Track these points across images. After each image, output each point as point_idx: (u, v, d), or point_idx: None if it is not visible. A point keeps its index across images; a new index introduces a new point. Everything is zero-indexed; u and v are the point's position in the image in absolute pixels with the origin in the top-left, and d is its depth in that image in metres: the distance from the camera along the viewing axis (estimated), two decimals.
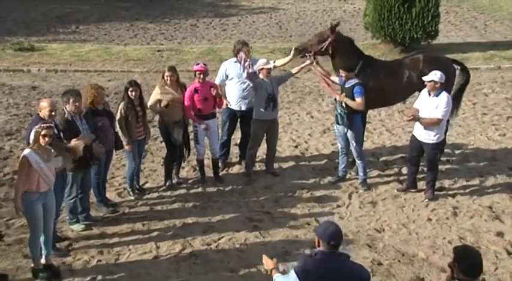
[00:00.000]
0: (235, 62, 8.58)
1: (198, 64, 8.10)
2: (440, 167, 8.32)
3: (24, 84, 13.62)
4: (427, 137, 7.62)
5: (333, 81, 8.38)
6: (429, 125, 7.53)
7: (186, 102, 7.97)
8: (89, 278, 6.18)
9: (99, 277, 6.20)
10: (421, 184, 8.06)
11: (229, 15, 22.13)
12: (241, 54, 8.39)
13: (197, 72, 8.00)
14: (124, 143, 7.58)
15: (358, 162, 8.20)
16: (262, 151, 8.80)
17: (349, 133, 7.99)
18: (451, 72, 8.54)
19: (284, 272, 4.34)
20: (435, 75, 7.43)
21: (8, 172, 8.74)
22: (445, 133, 8.37)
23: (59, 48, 16.53)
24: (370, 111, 9.13)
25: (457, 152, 9.38)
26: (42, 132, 5.78)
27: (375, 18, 15.37)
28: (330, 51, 8.34)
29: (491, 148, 9.60)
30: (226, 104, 8.64)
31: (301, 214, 7.52)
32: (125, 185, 8.16)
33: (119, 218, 7.47)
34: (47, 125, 5.87)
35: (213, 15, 22.07)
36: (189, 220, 7.38)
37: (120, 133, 7.52)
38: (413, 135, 7.85)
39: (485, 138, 10.06)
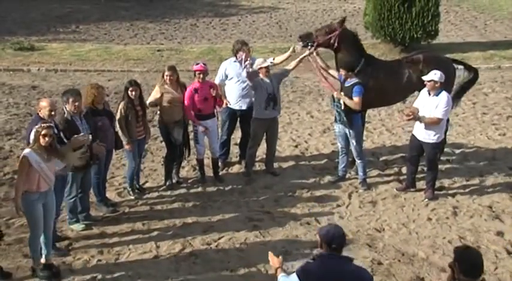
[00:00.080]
0: (235, 61, 8.58)
1: (197, 64, 8.10)
2: (440, 166, 8.32)
3: (24, 83, 13.62)
4: (427, 136, 7.62)
5: (332, 75, 8.36)
6: (429, 124, 7.53)
7: (186, 102, 7.97)
8: (88, 277, 6.18)
9: (99, 277, 6.20)
10: (421, 184, 8.06)
11: (229, 15, 22.13)
12: (240, 54, 8.39)
13: (197, 72, 8.00)
14: (124, 142, 7.58)
15: (357, 161, 8.20)
16: (262, 150, 8.80)
17: (349, 132, 7.99)
18: (451, 72, 8.54)
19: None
20: (435, 75, 7.43)
21: (8, 171, 8.74)
22: (445, 133, 8.38)
23: (59, 48, 16.53)
24: (370, 111, 9.14)
25: (457, 151, 9.38)
26: (42, 132, 5.78)
27: (375, 17, 15.37)
28: (336, 44, 8.30)
29: (491, 148, 9.60)
30: (226, 104, 8.64)
31: (301, 214, 7.52)
32: (125, 184, 8.16)
33: (118, 217, 7.47)
34: (47, 124, 5.87)
35: (213, 15, 22.07)
36: (189, 220, 7.39)
37: (120, 133, 7.52)
38: (413, 135, 7.85)
39: (485, 137, 10.06)
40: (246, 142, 8.73)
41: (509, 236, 6.93)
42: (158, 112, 8.31)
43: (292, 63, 8.48)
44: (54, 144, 5.95)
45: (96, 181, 7.39)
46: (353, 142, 8.05)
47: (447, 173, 8.59)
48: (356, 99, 7.78)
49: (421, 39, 15.35)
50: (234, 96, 8.61)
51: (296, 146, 9.79)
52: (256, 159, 8.82)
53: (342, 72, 7.96)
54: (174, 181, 8.33)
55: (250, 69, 8.21)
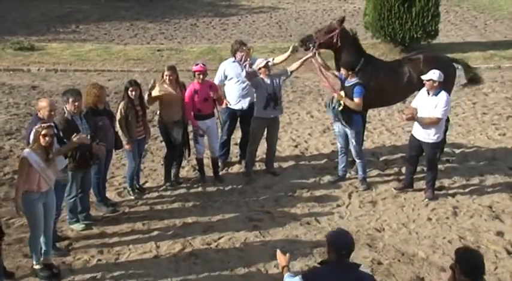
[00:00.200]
0: (234, 62, 8.58)
1: (197, 65, 8.09)
2: (440, 166, 8.33)
3: (24, 83, 13.62)
4: (426, 136, 7.62)
5: (333, 74, 8.36)
6: (428, 124, 7.53)
7: (186, 103, 7.96)
8: (88, 277, 6.18)
9: (99, 277, 6.20)
10: (421, 184, 8.06)
11: (229, 15, 22.13)
12: (239, 54, 8.38)
13: (196, 73, 8.00)
14: (124, 142, 7.57)
15: (357, 161, 8.19)
16: (262, 150, 8.80)
17: (349, 132, 7.99)
18: (451, 72, 8.55)
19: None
20: (434, 74, 7.43)
21: (8, 171, 8.73)
22: (445, 133, 8.38)
23: (59, 48, 16.53)
24: (370, 111, 9.13)
25: (457, 151, 9.38)
26: (43, 132, 5.78)
27: (375, 17, 15.37)
28: (339, 43, 8.31)
29: (491, 148, 9.60)
30: (226, 104, 8.64)
31: (301, 214, 7.52)
32: (125, 184, 8.16)
33: (118, 217, 7.47)
34: (47, 124, 5.87)
35: (213, 15, 22.07)
36: (189, 220, 7.38)
37: (120, 133, 7.52)
38: (412, 135, 7.85)
39: (485, 137, 10.06)
40: (246, 142, 8.73)
41: (509, 236, 6.93)
42: (158, 112, 8.32)
43: (294, 65, 8.46)
44: (53, 144, 5.95)
45: (96, 181, 7.39)
46: (352, 142, 8.04)
47: (447, 173, 8.59)
48: (357, 100, 7.77)
49: (421, 39, 15.36)
50: (234, 97, 8.61)
51: (296, 146, 9.79)
52: (256, 159, 8.82)
53: (343, 71, 7.96)
54: (172, 179, 8.34)
55: (250, 70, 8.21)
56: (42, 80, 13.96)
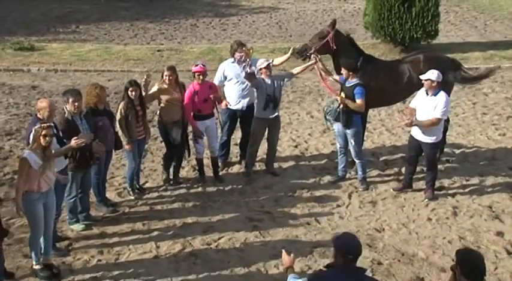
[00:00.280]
0: (233, 62, 8.58)
1: (196, 65, 8.08)
2: (440, 166, 8.33)
3: (24, 84, 13.62)
4: (425, 136, 7.61)
5: (335, 80, 8.38)
6: (429, 126, 7.52)
7: (186, 104, 7.96)
8: (88, 277, 6.19)
9: (99, 277, 6.20)
10: (421, 184, 8.06)
11: (229, 15, 22.13)
12: (237, 55, 8.38)
13: (196, 74, 7.99)
14: (124, 142, 7.57)
15: (357, 161, 8.19)
16: (262, 150, 8.80)
17: (348, 132, 7.98)
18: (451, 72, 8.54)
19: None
20: (432, 74, 7.42)
21: (8, 171, 8.73)
22: (445, 133, 8.38)
23: (59, 48, 16.53)
24: (370, 111, 9.13)
25: (457, 152, 9.37)
26: (43, 133, 5.78)
27: (375, 17, 15.37)
28: (334, 46, 8.32)
29: (491, 148, 9.60)
30: (226, 105, 8.64)
31: (301, 214, 7.52)
32: (125, 184, 8.16)
33: (118, 217, 7.47)
34: (47, 124, 5.86)
35: (213, 15, 22.07)
36: (189, 220, 7.39)
37: (120, 133, 7.52)
38: (411, 135, 7.85)
39: (485, 138, 10.06)
40: (246, 142, 8.73)
41: (509, 236, 6.93)
42: (158, 112, 8.32)
43: (298, 69, 8.49)
44: (52, 143, 5.95)
45: (96, 181, 7.39)
46: (352, 142, 8.04)
47: (447, 173, 8.60)
48: (359, 101, 7.76)
49: (421, 39, 15.36)
50: (234, 97, 8.61)
51: (296, 146, 9.79)
52: (257, 159, 8.82)
53: (344, 72, 7.95)
54: (171, 177, 8.35)
55: (249, 70, 8.21)
56: (42, 80, 13.96)
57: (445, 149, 9.07)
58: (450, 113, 9.04)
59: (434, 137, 7.61)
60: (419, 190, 7.99)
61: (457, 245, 6.61)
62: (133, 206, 7.78)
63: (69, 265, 6.41)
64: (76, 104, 6.62)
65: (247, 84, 8.36)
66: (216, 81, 8.67)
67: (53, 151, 5.99)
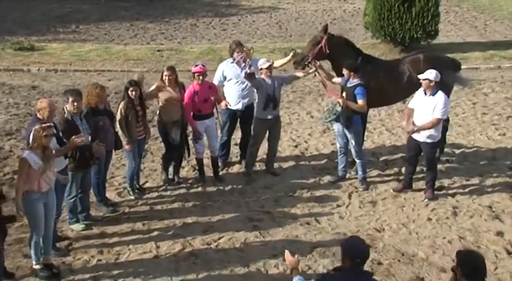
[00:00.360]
0: (232, 62, 8.57)
1: (196, 66, 8.08)
2: (439, 166, 8.33)
3: (24, 83, 13.62)
4: (425, 137, 7.60)
5: (337, 82, 8.38)
6: (430, 128, 7.51)
7: (185, 105, 7.96)
8: (88, 277, 6.19)
9: (99, 277, 6.19)
10: (421, 184, 8.06)
11: (229, 15, 22.13)
12: (236, 55, 8.38)
13: (196, 74, 7.99)
14: (124, 142, 7.57)
15: (357, 161, 8.19)
16: (262, 150, 8.80)
17: (348, 132, 7.98)
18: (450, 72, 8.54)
19: None
20: (430, 74, 7.41)
21: (8, 171, 8.73)
22: (444, 132, 8.37)
23: (59, 48, 16.53)
24: (370, 111, 9.13)
25: (457, 151, 9.37)
26: (43, 133, 5.77)
27: (375, 17, 15.38)
28: (328, 50, 8.35)
29: (491, 148, 9.60)
30: (226, 105, 8.63)
31: (301, 214, 7.52)
32: (125, 184, 8.16)
33: (118, 217, 7.47)
34: (47, 124, 5.86)
35: (213, 15, 22.07)
36: (189, 220, 7.39)
37: (120, 133, 7.52)
38: (410, 135, 7.84)
39: (485, 138, 10.06)
40: (246, 142, 8.73)
41: (509, 236, 6.93)
42: (158, 112, 8.32)
43: (300, 74, 8.50)
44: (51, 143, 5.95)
45: (96, 181, 7.39)
46: (352, 142, 8.04)
47: (447, 173, 8.59)
48: (361, 102, 7.76)
49: (421, 39, 15.37)
50: (234, 97, 8.61)
51: (296, 146, 9.79)
52: (257, 159, 8.82)
53: (345, 72, 7.95)
54: (170, 176, 8.36)
55: (248, 70, 8.20)
56: (42, 80, 13.96)
57: (445, 149, 9.07)
58: (450, 113, 9.04)
59: (433, 137, 7.60)
60: (419, 190, 7.99)
61: (457, 245, 6.61)
62: (133, 206, 7.78)
63: (69, 265, 6.41)
64: (76, 104, 6.62)
65: (246, 84, 8.36)
66: (215, 82, 8.66)
67: (53, 151, 5.99)
